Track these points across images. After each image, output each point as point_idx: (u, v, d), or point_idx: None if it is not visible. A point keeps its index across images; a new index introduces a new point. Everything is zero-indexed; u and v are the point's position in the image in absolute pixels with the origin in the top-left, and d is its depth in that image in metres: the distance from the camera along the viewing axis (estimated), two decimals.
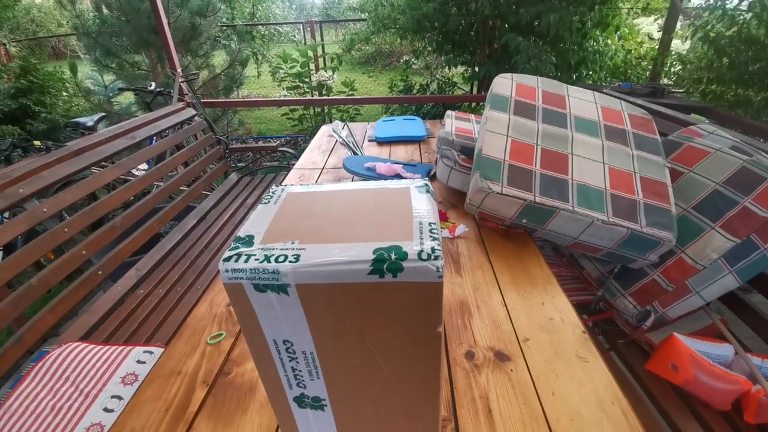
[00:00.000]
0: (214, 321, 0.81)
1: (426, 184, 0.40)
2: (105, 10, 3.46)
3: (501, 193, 0.97)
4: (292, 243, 0.31)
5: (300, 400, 0.38)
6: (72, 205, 1.38)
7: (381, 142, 1.84)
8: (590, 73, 3.07)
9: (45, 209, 1.24)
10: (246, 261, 0.29)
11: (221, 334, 0.77)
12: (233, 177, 2.41)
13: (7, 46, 5.24)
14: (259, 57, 5.26)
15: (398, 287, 0.29)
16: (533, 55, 2.58)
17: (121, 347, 1.06)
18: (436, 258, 0.28)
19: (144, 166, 2.52)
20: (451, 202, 1.25)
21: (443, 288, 0.29)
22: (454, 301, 0.84)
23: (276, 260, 0.29)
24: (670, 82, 3.29)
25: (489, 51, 3.33)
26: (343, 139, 1.84)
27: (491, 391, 0.64)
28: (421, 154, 1.69)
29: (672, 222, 0.98)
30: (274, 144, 2.77)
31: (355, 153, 1.70)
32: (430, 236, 0.30)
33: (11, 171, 1.24)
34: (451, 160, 1.23)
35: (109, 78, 3.82)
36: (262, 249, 0.30)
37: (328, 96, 4.23)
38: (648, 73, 3.52)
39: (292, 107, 3.96)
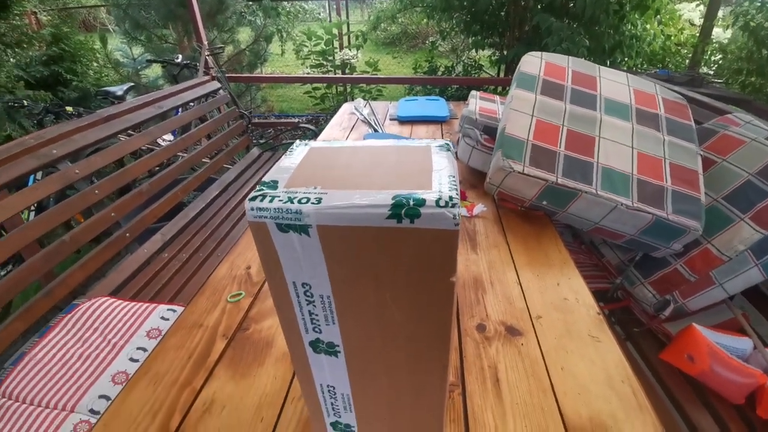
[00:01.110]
0: (234, 281, 0.84)
1: (447, 144, 0.40)
2: None
3: (522, 173, 0.95)
4: (314, 188, 0.32)
5: (315, 345, 0.39)
6: (100, 171, 1.43)
7: (403, 121, 1.82)
8: (626, 59, 2.94)
9: (77, 170, 1.29)
10: (270, 201, 0.30)
11: (240, 294, 0.80)
12: (254, 151, 2.44)
13: (38, 15, 5.36)
14: (284, 34, 5.24)
15: (415, 233, 0.29)
16: (565, 37, 2.49)
17: (147, 304, 1.11)
18: (452, 206, 0.29)
19: (169, 137, 2.58)
20: (471, 182, 1.24)
21: (458, 239, 0.30)
22: (468, 276, 0.84)
23: (299, 201, 0.30)
24: (709, 72, 3.13)
25: (519, 32, 3.22)
26: (365, 117, 1.84)
27: (500, 362, 0.65)
28: (442, 135, 1.68)
29: (700, 211, 0.95)
30: (296, 121, 2.78)
31: (376, 131, 1.70)
32: (449, 186, 0.31)
33: (45, 133, 1.30)
34: (473, 139, 1.22)
35: (137, 51, 3.89)
36: (285, 192, 0.31)
37: (352, 75, 4.20)
38: (687, 61, 3.35)
39: (314, 85, 3.95)
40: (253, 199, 0.31)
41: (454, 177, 0.33)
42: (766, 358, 0.91)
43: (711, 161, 1.12)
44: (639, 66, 3.26)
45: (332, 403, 0.46)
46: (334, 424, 0.49)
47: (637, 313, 1.16)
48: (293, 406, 0.58)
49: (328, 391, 0.44)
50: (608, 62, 2.93)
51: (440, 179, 0.32)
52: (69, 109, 2.05)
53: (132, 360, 0.96)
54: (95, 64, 3.47)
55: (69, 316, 1.07)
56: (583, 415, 0.56)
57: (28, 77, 3.00)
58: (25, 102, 2.22)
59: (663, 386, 1.01)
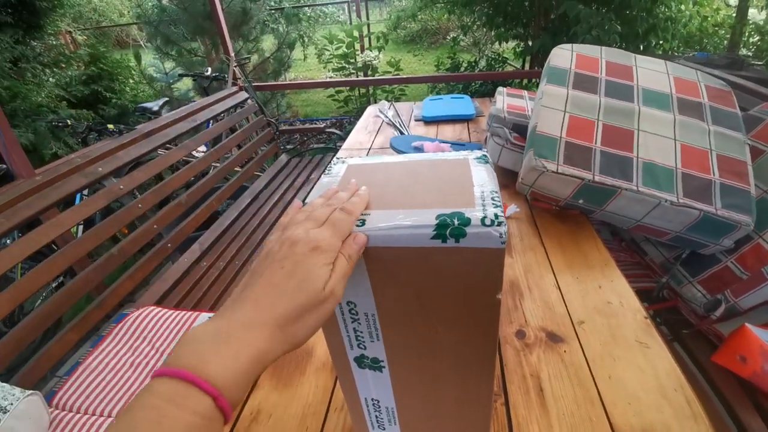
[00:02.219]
0: None
1: (484, 155, 0.39)
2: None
3: (556, 172, 0.93)
4: None
5: (360, 361, 0.40)
6: (141, 185, 1.51)
7: (428, 121, 1.81)
8: (660, 42, 2.79)
9: (122, 186, 1.36)
10: None
11: None
12: (283, 158, 2.49)
13: (73, 34, 5.67)
14: (306, 39, 5.32)
15: (460, 252, 0.29)
16: (595, 24, 2.39)
17: (190, 312, 1.16)
18: (499, 224, 0.28)
19: (203, 148, 2.67)
20: (502, 182, 1.22)
21: (504, 256, 0.29)
22: (504, 281, 0.83)
23: None
24: (749, 53, 2.93)
25: (545, 22, 3.13)
26: (390, 119, 1.84)
27: (543, 371, 0.63)
28: (469, 133, 1.65)
29: (751, 204, 0.89)
30: (321, 126, 2.82)
31: (402, 133, 1.70)
32: (492, 203, 0.30)
33: (90, 152, 1.37)
34: (503, 138, 1.19)
35: (169, 65, 4.06)
36: None
37: (374, 76, 4.21)
38: (725, 42, 3.16)
39: (337, 89, 3.99)
40: None
41: (496, 192, 0.32)
42: None
43: (759, 150, 1.04)
44: (676, 49, 3.09)
45: (377, 416, 0.46)
46: None
47: (685, 313, 1.10)
48: (336, 416, 0.59)
49: (373, 404, 0.45)
50: (642, 47, 2.80)
51: (483, 195, 0.31)
52: (111, 126, 2.17)
53: None
54: (131, 81, 3.65)
55: (120, 325, 1.13)
56: (635, 426, 0.54)
57: (69, 96, 3.20)
58: (69, 121, 2.37)
59: (714, 389, 0.96)
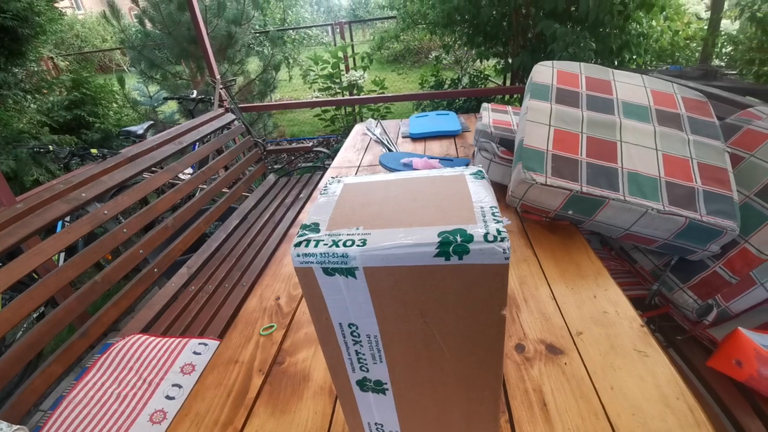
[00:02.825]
0: (264, 314, 0.84)
1: (480, 171, 0.40)
2: (148, 24, 3.67)
3: (545, 184, 0.94)
4: (357, 228, 0.32)
5: (362, 384, 0.39)
6: (126, 209, 1.47)
7: (415, 138, 1.83)
8: (634, 57, 2.91)
9: (106, 211, 1.33)
10: (315, 246, 0.30)
11: (272, 326, 0.80)
12: (271, 178, 2.48)
13: (55, 60, 5.63)
14: (291, 61, 5.39)
15: (463, 270, 0.29)
16: (571, 42, 2.48)
17: (179, 339, 1.12)
18: (502, 239, 0.28)
19: (189, 170, 2.65)
20: None
21: (508, 272, 0.29)
22: None
23: (344, 244, 0.30)
24: (721, 64, 3.07)
25: (523, 41, 3.23)
26: (377, 137, 1.86)
27: (545, 384, 0.62)
28: (456, 149, 1.68)
29: (735, 210, 0.92)
30: (309, 145, 2.83)
31: (390, 150, 1.71)
32: (493, 218, 0.30)
33: (73, 177, 1.35)
34: (490, 152, 1.21)
35: (153, 89, 4.05)
36: (329, 235, 0.31)
37: (359, 95, 4.27)
38: (697, 54, 3.30)
39: (324, 108, 4.03)
40: (298, 245, 0.31)
41: (496, 207, 0.32)
42: None
43: (738, 157, 1.08)
44: (649, 63, 3.22)
45: None
46: None
47: (678, 319, 1.11)
48: None
49: (377, 428, 0.43)
50: (616, 62, 2.91)
51: (483, 211, 0.31)
52: (94, 151, 2.13)
53: (168, 398, 0.96)
54: (115, 105, 3.62)
55: (105, 355, 1.08)
56: None
57: (51, 122, 3.15)
58: (50, 147, 2.33)
59: (711, 393, 0.96)
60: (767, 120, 1.09)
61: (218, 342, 1.08)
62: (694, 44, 3.43)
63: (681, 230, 0.92)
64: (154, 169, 2.11)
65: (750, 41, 2.33)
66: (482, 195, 0.34)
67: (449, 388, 0.38)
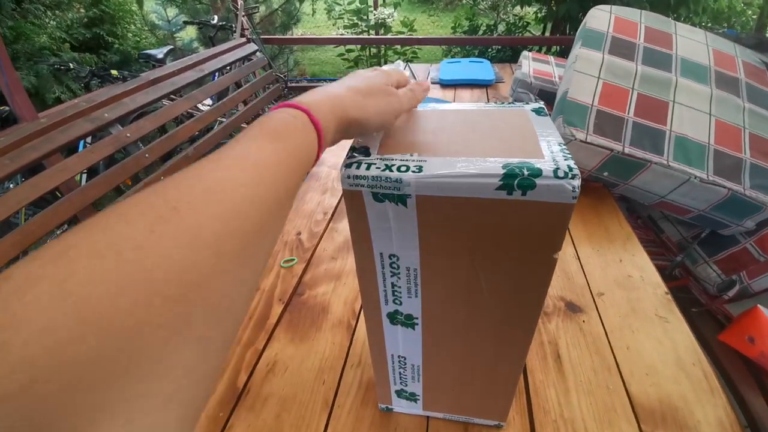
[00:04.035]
0: (285, 247, 0.85)
1: (542, 107, 0.36)
2: None
3: (585, 141, 0.89)
4: (411, 155, 0.30)
5: (393, 317, 0.38)
6: (146, 135, 1.45)
7: (445, 84, 1.74)
8: (691, 15, 2.66)
9: (128, 134, 1.32)
10: (368, 168, 0.28)
11: (293, 260, 0.81)
12: None
13: None
14: None
15: (525, 206, 0.27)
16: None
17: None
18: (573, 177, 0.26)
19: (208, 101, 2.59)
20: None
21: (572, 212, 0.27)
22: None
23: (398, 169, 0.28)
24: None
25: None
26: None
27: (561, 338, 0.63)
28: (488, 99, 1.59)
29: None
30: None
31: None
32: (563, 155, 0.28)
33: (96, 96, 1.32)
34: None
35: (172, 12, 3.87)
36: (381, 159, 0.29)
37: (387, 36, 4.03)
38: (752, 22, 3.06)
39: (348, 48, 3.83)
40: (349, 166, 0.29)
41: (564, 145, 0.29)
42: None
43: None
44: (705, 24, 2.95)
45: (401, 373, 0.46)
46: (399, 392, 0.49)
47: (695, 292, 1.10)
48: (353, 372, 0.59)
49: (399, 361, 0.44)
50: (672, 19, 2.66)
51: (550, 147, 0.29)
52: (114, 72, 2.09)
53: None
54: (133, 27, 3.49)
55: None
56: (651, 396, 0.54)
57: (71, 40, 3.06)
58: (71, 65, 2.28)
59: (719, 367, 0.97)
60: None
61: None
62: (750, 11, 3.17)
63: (721, 202, 0.87)
64: (173, 96, 2.06)
65: None
66: (549, 131, 0.31)
67: (481, 330, 0.37)
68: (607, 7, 1.09)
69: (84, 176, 2.08)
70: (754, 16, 3.14)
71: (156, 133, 2.20)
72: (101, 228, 0.15)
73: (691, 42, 1.07)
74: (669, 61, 1.00)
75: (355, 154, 0.30)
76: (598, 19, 1.06)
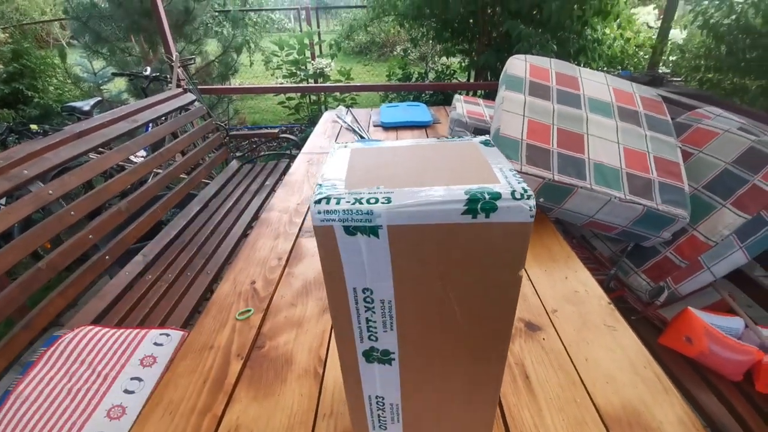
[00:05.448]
0: (239, 298, 0.80)
1: (489, 140, 0.40)
2: None
3: (520, 171, 0.97)
4: (377, 188, 0.31)
5: (369, 354, 0.38)
6: (69, 192, 1.34)
7: (387, 127, 1.83)
8: (589, 61, 3.09)
9: (51, 191, 1.21)
10: (338, 203, 0.29)
11: (249, 310, 0.76)
12: (234, 164, 2.37)
13: None
14: (252, 45, 5.17)
15: (489, 228, 0.29)
16: (535, 43, 2.59)
17: (136, 330, 1.05)
18: (528, 197, 0.28)
19: (141, 153, 2.47)
20: None
21: (531, 230, 0.30)
22: None
23: (368, 202, 0.29)
24: (667, 71, 3.32)
25: (488, 39, 3.32)
26: (348, 124, 1.83)
27: (526, 358, 0.65)
28: None
29: (686, 200, 1.00)
30: (275, 131, 2.73)
31: (362, 137, 1.69)
32: (516, 180, 0.31)
33: (14, 152, 1.21)
34: None
35: (98, 65, 3.72)
36: (349, 193, 0.30)
37: (326, 84, 4.18)
38: (645, 62, 3.54)
39: (288, 96, 3.91)
40: (319, 202, 0.29)
41: (514, 171, 0.32)
42: (759, 335, 0.97)
43: (688, 153, 1.18)
44: (601, 68, 3.43)
45: (379, 415, 0.44)
46: None
47: (631, 301, 1.20)
48: (326, 423, 0.55)
49: (377, 402, 0.43)
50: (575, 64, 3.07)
51: (504, 173, 0.32)
52: (34, 127, 1.93)
53: (127, 392, 0.89)
54: (55, 80, 3.29)
55: (52, 348, 0.98)
56: (615, 403, 0.57)
57: None
58: None
59: (665, 369, 1.04)
60: (716, 120, 1.19)
61: (182, 332, 1.02)
62: (642, 52, 3.68)
63: (639, 218, 0.99)
64: (101, 149, 1.94)
65: (698, 49, 2.52)
66: (499, 159, 0.34)
67: (456, 356, 0.38)
68: (522, 57, 1.24)
69: None
70: (647, 57, 3.50)
71: (81, 189, 2.03)
72: None
73: (595, 83, 1.24)
74: (578, 100, 1.15)
75: (323, 190, 0.31)
76: (516, 66, 1.20)
